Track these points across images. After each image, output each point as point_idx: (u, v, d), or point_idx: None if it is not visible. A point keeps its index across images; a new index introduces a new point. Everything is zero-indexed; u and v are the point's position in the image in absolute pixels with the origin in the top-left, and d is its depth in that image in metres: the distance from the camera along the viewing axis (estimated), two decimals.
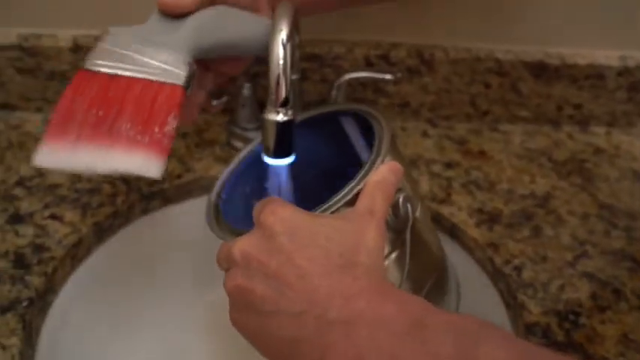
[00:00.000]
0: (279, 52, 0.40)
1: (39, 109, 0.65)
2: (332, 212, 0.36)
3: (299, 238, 0.30)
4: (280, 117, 0.41)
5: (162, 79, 0.39)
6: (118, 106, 0.38)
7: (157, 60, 0.40)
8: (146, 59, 0.40)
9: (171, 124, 0.38)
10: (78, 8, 0.61)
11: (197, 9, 0.42)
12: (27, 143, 0.62)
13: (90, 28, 0.62)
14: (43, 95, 0.64)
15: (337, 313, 0.27)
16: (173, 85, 0.39)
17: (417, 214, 0.41)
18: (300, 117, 0.50)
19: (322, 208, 0.37)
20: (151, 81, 0.39)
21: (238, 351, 0.47)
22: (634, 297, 0.49)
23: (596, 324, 0.47)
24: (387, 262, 0.39)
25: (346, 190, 0.37)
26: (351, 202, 0.35)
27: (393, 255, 0.40)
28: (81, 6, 0.61)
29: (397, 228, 0.39)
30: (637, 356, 0.44)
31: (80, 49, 0.61)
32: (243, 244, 0.32)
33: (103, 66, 0.39)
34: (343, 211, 0.35)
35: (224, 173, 0.48)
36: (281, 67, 0.40)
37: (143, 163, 0.36)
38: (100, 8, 0.61)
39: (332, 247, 0.30)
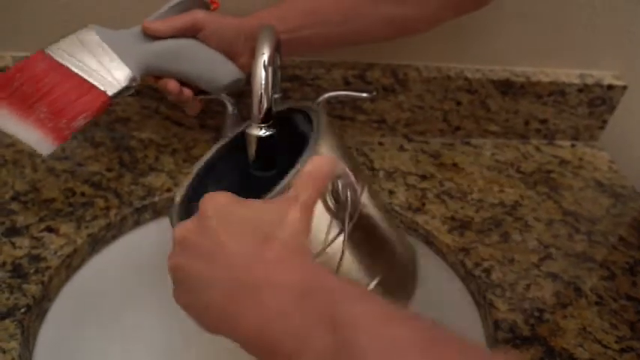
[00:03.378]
0: (261, 74, 0.43)
1: None
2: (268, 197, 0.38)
3: (226, 219, 0.33)
4: (262, 132, 0.45)
5: (95, 83, 0.48)
6: (47, 90, 0.46)
7: (106, 66, 0.48)
8: (96, 61, 0.48)
9: (79, 122, 0.46)
10: (69, 32, 0.64)
11: (171, 36, 0.51)
12: (21, 160, 0.64)
13: None
14: None
15: (247, 276, 0.31)
16: (100, 92, 0.47)
17: (363, 199, 0.43)
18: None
19: (264, 198, 0.38)
20: (87, 81, 0.47)
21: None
22: (593, 294, 0.53)
23: (558, 319, 0.50)
24: (331, 247, 0.41)
25: (284, 181, 0.39)
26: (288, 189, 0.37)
27: (339, 239, 0.41)
28: (73, 29, 0.64)
29: (341, 214, 0.40)
30: (594, 346, 0.48)
31: None
32: (181, 229, 0.35)
33: (57, 54, 0.47)
34: (279, 196, 0.37)
35: (186, 179, 0.49)
36: (262, 87, 0.43)
37: (37, 140, 0.46)
38: None
39: (253, 225, 0.33)
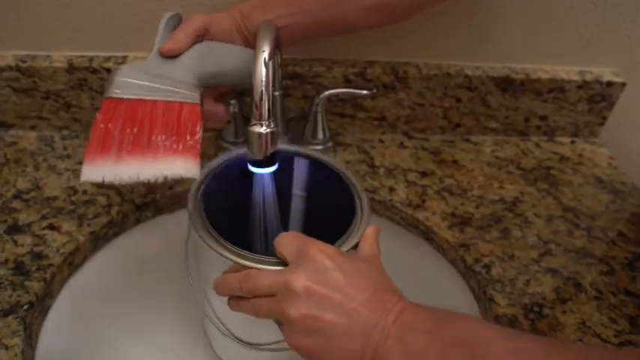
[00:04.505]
0: (262, 71, 0.44)
1: (33, 127, 0.68)
2: (346, 251, 0.44)
3: (348, 272, 0.38)
4: (263, 129, 0.45)
5: (180, 100, 0.44)
6: (149, 124, 0.42)
7: (170, 86, 0.45)
8: (160, 86, 0.45)
9: (200, 132, 0.43)
10: (72, 31, 0.64)
11: (189, 47, 0.49)
12: (23, 159, 0.65)
13: (83, 50, 0.66)
14: (38, 114, 0.67)
15: (384, 322, 0.36)
16: (191, 104, 0.45)
17: None
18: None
19: (339, 246, 0.44)
20: (172, 102, 0.44)
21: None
22: (592, 289, 0.53)
23: (558, 314, 0.51)
24: None
25: (350, 236, 0.46)
26: (356, 245, 0.45)
27: None
28: (74, 29, 0.64)
29: None
30: (593, 340, 0.48)
31: (74, 70, 0.64)
32: (304, 279, 0.38)
33: (125, 93, 0.44)
34: (351, 251, 0.44)
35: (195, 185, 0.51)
36: (263, 84, 0.44)
37: (182, 166, 0.42)
38: (93, 31, 0.64)
39: (374, 279, 0.39)
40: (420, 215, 0.61)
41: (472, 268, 0.55)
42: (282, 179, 0.51)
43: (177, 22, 0.52)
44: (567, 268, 0.55)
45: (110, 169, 0.41)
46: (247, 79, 0.50)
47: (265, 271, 0.41)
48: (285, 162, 0.53)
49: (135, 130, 0.41)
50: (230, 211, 0.52)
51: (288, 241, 0.41)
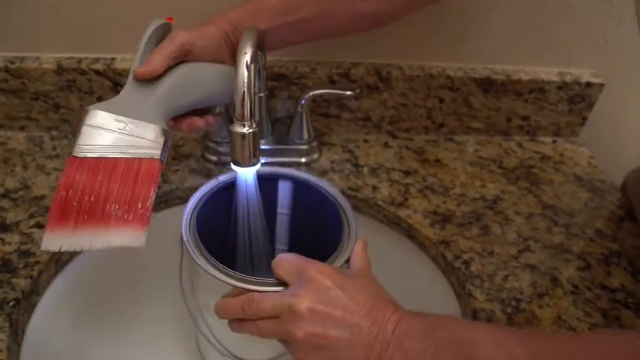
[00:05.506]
0: (244, 73, 0.45)
1: (23, 128, 0.69)
2: (339, 267, 0.46)
3: (347, 289, 0.40)
4: (245, 129, 0.47)
5: (140, 156, 0.46)
6: (106, 189, 0.45)
7: (135, 135, 0.47)
8: (124, 136, 0.46)
9: (152, 198, 0.45)
10: (60, 32, 0.65)
11: (166, 69, 0.49)
12: (12, 159, 0.66)
13: (72, 51, 0.67)
14: (27, 115, 0.68)
15: (383, 334, 0.39)
16: (150, 161, 0.46)
17: None
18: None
19: (331, 264, 0.46)
20: (131, 159, 0.46)
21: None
22: (568, 284, 0.55)
23: (534, 308, 0.52)
24: None
25: (340, 253, 0.48)
26: (347, 260, 0.47)
27: None
28: (63, 30, 0.65)
29: None
30: (569, 332, 0.49)
31: (63, 71, 0.65)
32: (307, 301, 0.40)
33: (89, 151, 0.45)
34: (344, 267, 0.47)
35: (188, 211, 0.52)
36: (245, 85, 0.45)
37: (130, 237, 0.44)
38: (81, 33, 0.66)
39: (371, 293, 0.41)
40: (402, 213, 0.62)
41: (452, 264, 0.56)
42: (265, 199, 0.53)
43: (165, 31, 0.51)
44: (545, 264, 0.57)
45: (67, 239, 0.43)
46: (229, 99, 0.52)
47: (267, 294, 0.42)
48: (267, 183, 0.55)
49: (92, 198, 0.44)
50: (218, 234, 0.54)
51: (286, 263, 0.43)
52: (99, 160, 0.45)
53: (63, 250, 0.43)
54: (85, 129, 0.46)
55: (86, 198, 0.44)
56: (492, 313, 0.51)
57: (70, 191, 0.44)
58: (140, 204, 0.45)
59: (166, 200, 0.63)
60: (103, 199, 0.44)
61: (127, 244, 0.44)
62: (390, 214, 0.62)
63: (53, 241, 0.43)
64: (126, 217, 0.44)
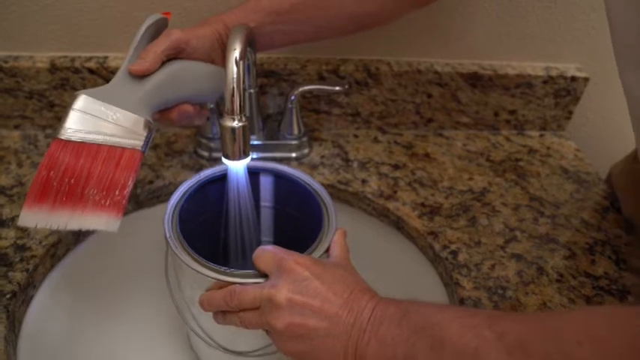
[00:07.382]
0: (233, 68, 0.46)
1: (17, 126, 0.70)
2: (318, 256, 0.47)
3: (324, 279, 0.41)
4: (235, 123, 0.48)
5: (123, 145, 0.48)
6: (87, 173, 0.46)
7: (120, 124, 0.48)
8: (109, 124, 0.48)
9: (129, 187, 0.47)
10: (54, 32, 0.66)
11: (158, 67, 0.50)
12: (6, 157, 0.66)
13: (65, 50, 0.68)
14: (21, 113, 0.69)
15: (360, 320, 0.40)
16: (132, 151, 0.48)
17: None
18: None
19: (310, 253, 0.47)
20: (114, 147, 0.47)
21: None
22: (554, 272, 0.56)
23: (520, 296, 0.53)
24: None
25: (320, 243, 0.49)
26: (327, 250, 0.48)
27: None
28: (56, 30, 0.66)
29: None
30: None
31: (57, 70, 0.66)
32: (285, 291, 0.41)
33: (72, 135, 0.46)
34: (323, 256, 0.48)
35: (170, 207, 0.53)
36: (234, 80, 0.46)
37: (104, 222, 0.46)
38: (74, 32, 0.66)
39: (348, 282, 0.42)
40: (391, 205, 0.63)
41: (440, 254, 0.58)
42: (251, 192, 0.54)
43: (161, 26, 0.53)
44: (531, 254, 0.58)
45: (43, 218, 0.44)
46: (217, 97, 0.53)
47: (248, 287, 0.43)
48: (250, 177, 0.55)
49: (72, 180, 0.45)
50: (204, 228, 0.55)
51: (266, 255, 0.44)
52: (82, 144, 0.46)
53: (39, 227, 0.44)
54: (72, 113, 0.47)
55: (66, 180, 0.45)
56: (479, 300, 0.53)
57: (52, 172, 0.45)
58: (118, 191, 0.46)
59: (159, 195, 0.65)
60: (83, 183, 0.45)
61: (102, 229, 0.46)
62: (379, 207, 0.63)
63: (30, 218, 0.44)
64: (103, 202, 0.46)
